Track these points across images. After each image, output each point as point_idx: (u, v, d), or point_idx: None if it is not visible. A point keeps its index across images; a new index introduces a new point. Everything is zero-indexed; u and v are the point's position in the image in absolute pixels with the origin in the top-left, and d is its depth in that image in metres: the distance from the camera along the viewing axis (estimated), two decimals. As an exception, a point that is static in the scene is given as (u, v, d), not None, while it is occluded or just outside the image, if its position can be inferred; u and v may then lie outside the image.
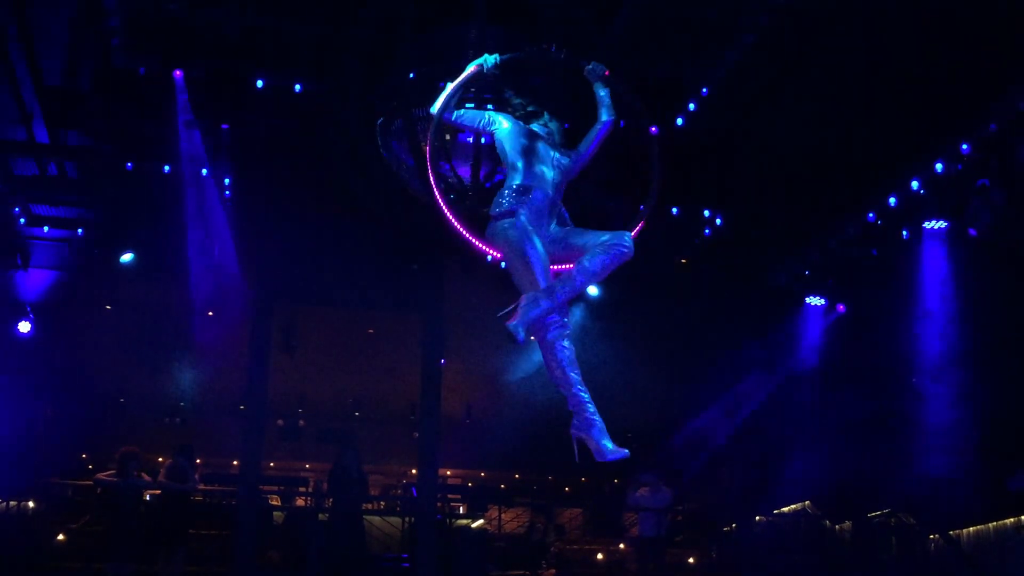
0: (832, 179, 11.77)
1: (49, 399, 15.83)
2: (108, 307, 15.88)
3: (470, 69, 5.27)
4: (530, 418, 16.70)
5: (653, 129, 5.56)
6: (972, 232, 11.09)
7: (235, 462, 16.16)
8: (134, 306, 15.56)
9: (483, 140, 8.51)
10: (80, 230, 13.87)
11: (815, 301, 14.68)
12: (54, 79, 11.02)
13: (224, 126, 11.79)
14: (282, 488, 17.26)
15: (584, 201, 5.75)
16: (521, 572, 13.48)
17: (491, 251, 5.27)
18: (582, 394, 4.99)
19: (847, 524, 14.58)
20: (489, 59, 5.27)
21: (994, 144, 10.19)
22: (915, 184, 11.43)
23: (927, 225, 11.62)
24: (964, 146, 10.46)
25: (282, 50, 10.54)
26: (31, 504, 13.21)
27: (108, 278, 14.50)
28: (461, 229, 5.34)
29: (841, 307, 14.57)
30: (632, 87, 5.49)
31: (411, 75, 8.74)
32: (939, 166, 10.90)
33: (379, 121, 8.82)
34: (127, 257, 13.82)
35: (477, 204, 6.64)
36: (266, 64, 10.84)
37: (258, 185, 12.78)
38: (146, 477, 11.75)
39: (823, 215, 13.01)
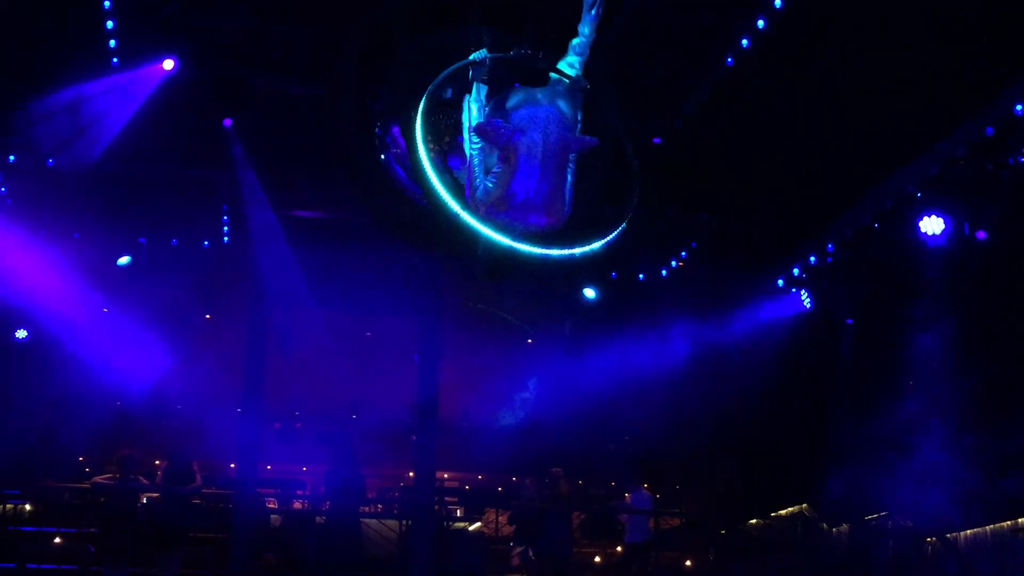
0: (829, 181, 11.79)
1: (47, 402, 15.82)
2: (105, 310, 15.86)
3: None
4: (527, 421, 16.72)
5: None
6: (981, 236, 11.07)
7: (232, 465, 16.15)
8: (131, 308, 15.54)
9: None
10: (76, 234, 13.86)
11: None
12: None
13: (227, 122, 11.72)
14: (279, 491, 17.25)
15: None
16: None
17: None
18: None
19: (844, 527, 14.59)
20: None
21: (990, 148, 10.20)
22: (910, 187, 11.45)
23: (923, 228, 11.57)
24: (960, 149, 10.47)
25: (279, 52, 10.55)
26: (28, 507, 13.21)
27: (105, 280, 14.48)
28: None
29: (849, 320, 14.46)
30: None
31: (409, 77, 8.75)
32: (934, 169, 10.92)
33: (377, 124, 8.83)
34: (124, 259, 13.81)
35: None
36: (263, 66, 10.84)
37: (257, 186, 12.77)
38: (143, 480, 11.74)
39: (820, 218, 13.03)
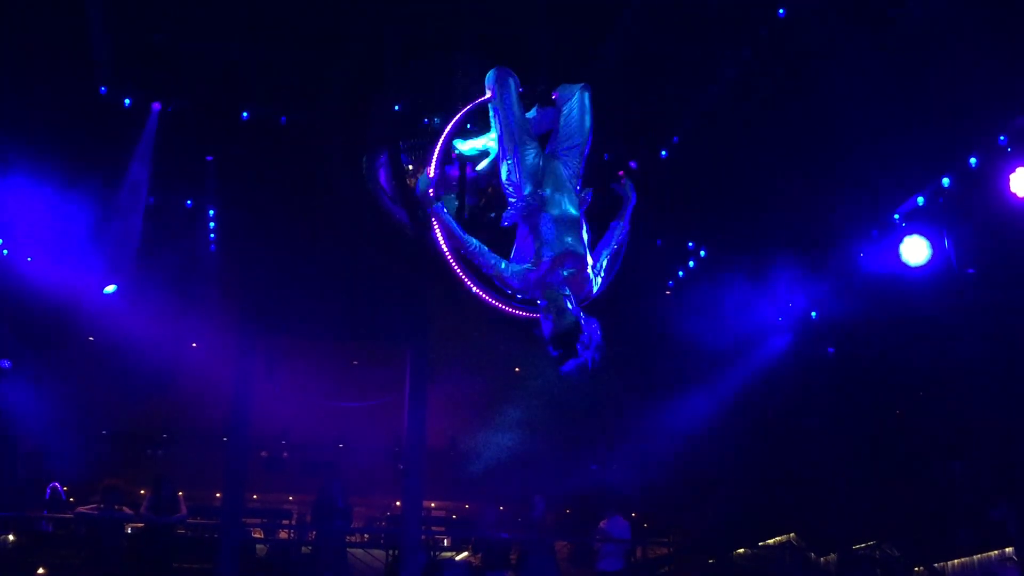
0: (815, 212, 11.84)
1: (30, 431, 15.70)
2: (91, 338, 15.78)
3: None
4: (516, 450, 16.68)
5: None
6: (970, 271, 11.08)
7: (217, 494, 16.03)
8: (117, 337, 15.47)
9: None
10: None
11: None
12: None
13: (208, 157, 11.81)
14: (265, 520, 17.12)
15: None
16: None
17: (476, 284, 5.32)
18: None
19: (832, 556, 14.55)
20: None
21: (975, 178, 10.27)
22: (896, 216, 11.49)
23: (907, 261, 11.54)
24: (945, 180, 10.54)
25: (267, 81, 10.59)
26: (11, 537, 13.07)
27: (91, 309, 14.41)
28: (452, 262, 5.38)
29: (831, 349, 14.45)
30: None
31: (396, 107, 8.80)
32: (920, 199, 10.98)
33: (364, 153, 8.87)
34: (110, 288, 13.74)
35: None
36: (251, 95, 10.88)
37: (242, 216, 12.79)
38: (127, 510, 11.65)
39: (806, 247, 13.07)
